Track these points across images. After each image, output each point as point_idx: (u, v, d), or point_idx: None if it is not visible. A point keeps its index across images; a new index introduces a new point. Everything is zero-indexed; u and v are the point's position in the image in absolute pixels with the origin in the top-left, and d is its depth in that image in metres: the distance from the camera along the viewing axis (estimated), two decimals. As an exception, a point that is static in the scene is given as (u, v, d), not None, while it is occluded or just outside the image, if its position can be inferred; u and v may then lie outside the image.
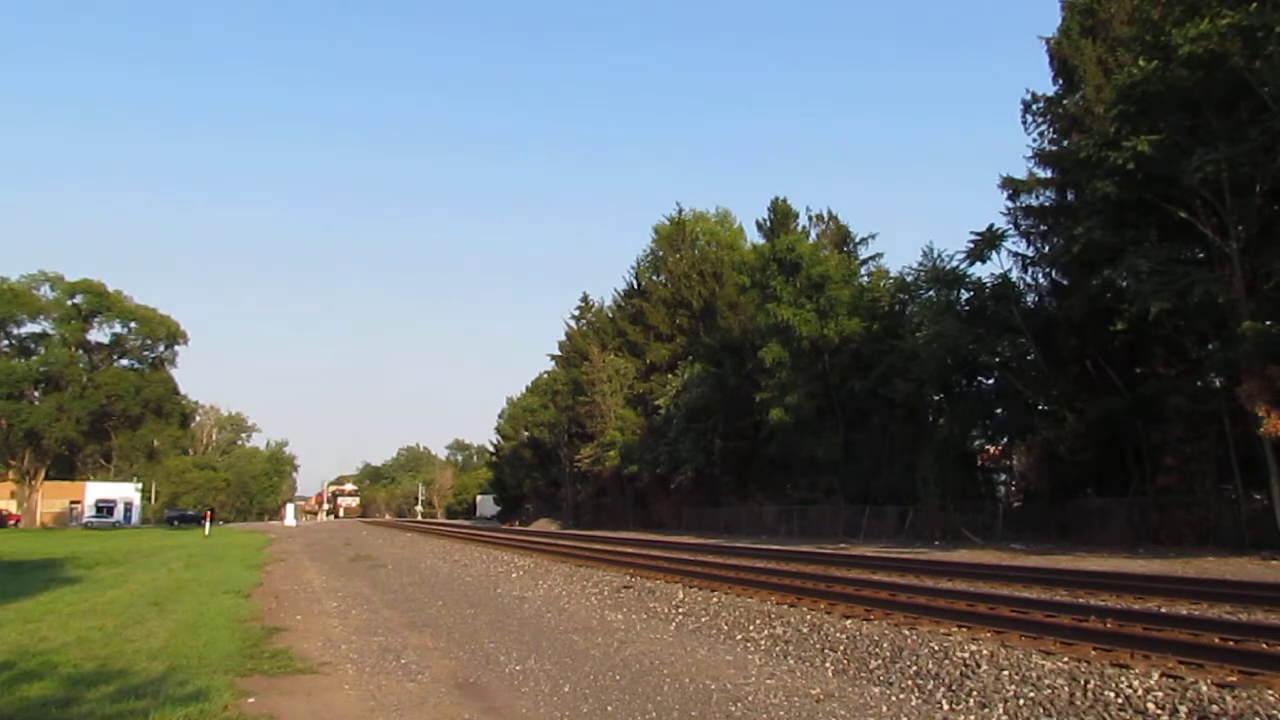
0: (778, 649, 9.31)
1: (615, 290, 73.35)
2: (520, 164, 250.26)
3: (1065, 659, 7.53)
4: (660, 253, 58.15)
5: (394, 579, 19.32)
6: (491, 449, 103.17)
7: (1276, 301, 20.41)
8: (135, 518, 74.49)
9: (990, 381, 31.14)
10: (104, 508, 70.77)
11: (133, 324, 72.29)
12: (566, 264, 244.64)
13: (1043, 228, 29.87)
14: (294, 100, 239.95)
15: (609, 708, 6.90)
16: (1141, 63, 21.39)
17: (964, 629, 9.33)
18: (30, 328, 69.09)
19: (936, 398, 32.96)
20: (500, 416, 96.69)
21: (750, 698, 7.11)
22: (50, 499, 71.47)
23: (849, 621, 10.12)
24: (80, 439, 69.79)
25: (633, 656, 9.08)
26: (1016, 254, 29.77)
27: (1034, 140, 30.19)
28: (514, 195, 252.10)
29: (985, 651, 7.90)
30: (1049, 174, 30.04)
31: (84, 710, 6.25)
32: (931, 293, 29.94)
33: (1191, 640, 7.95)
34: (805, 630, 9.86)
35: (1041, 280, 30.39)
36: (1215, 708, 5.98)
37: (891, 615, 10.41)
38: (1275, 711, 5.82)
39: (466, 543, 33.96)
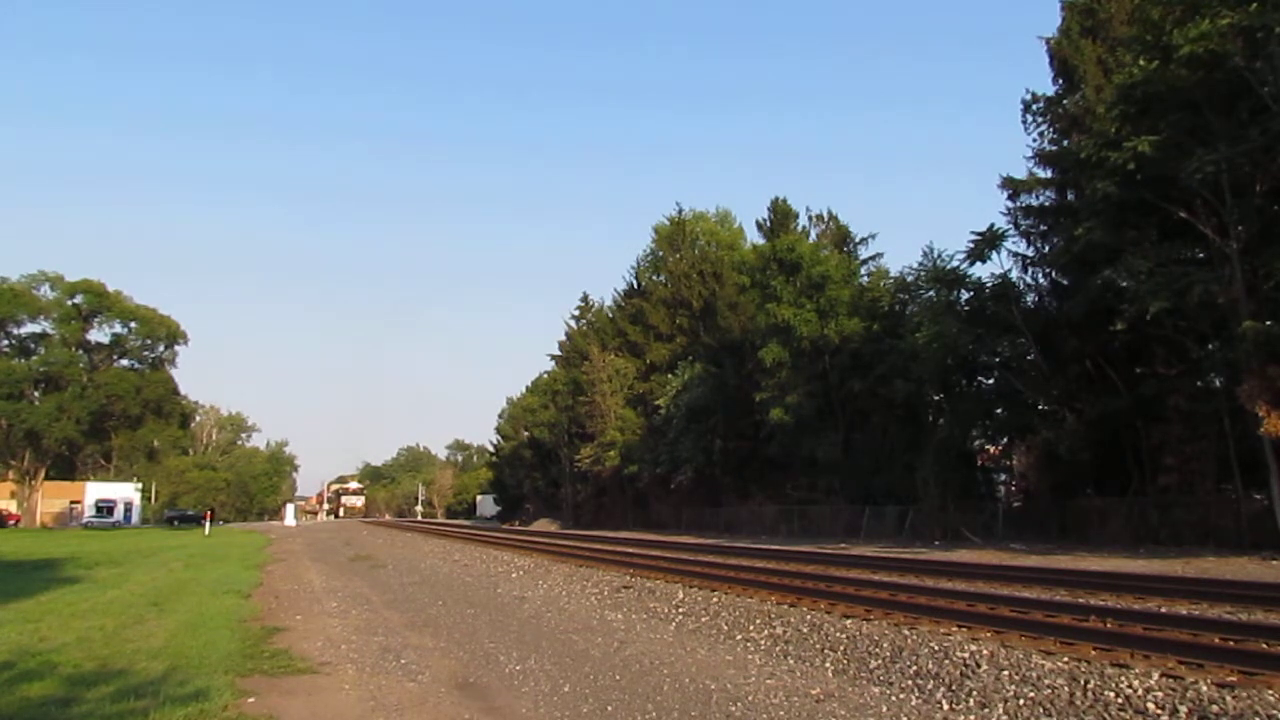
0: (778, 649, 9.31)
1: (615, 290, 73.50)
2: (521, 164, 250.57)
3: (1065, 659, 7.53)
4: (660, 253, 58.17)
5: (394, 579, 19.32)
6: (491, 449, 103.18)
7: (1276, 301, 20.39)
8: (135, 518, 74.54)
9: (990, 381, 31.15)
10: (104, 508, 70.85)
11: (133, 324, 72.27)
12: (566, 264, 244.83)
13: (1043, 228, 29.86)
14: (294, 101, 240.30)
15: (609, 708, 6.90)
16: (1141, 63, 21.39)
17: (964, 629, 9.33)
18: (30, 328, 69.12)
19: (936, 398, 32.97)
20: (500, 416, 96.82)
21: (750, 698, 7.11)
22: (50, 499, 71.42)
23: (849, 621, 10.12)
24: (80, 439, 69.73)
25: (633, 656, 9.08)
26: (1016, 254, 29.81)
27: (1034, 140, 30.25)
28: (514, 196, 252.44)
29: (985, 651, 7.90)
30: (1049, 174, 30.05)
31: (84, 710, 6.26)
32: (931, 293, 29.95)
33: (1191, 640, 7.95)
34: (805, 630, 9.86)
35: (1041, 280, 30.41)
36: (1215, 708, 5.98)
37: (891, 615, 10.41)
38: (1275, 711, 5.82)
39: (466, 543, 33.95)
